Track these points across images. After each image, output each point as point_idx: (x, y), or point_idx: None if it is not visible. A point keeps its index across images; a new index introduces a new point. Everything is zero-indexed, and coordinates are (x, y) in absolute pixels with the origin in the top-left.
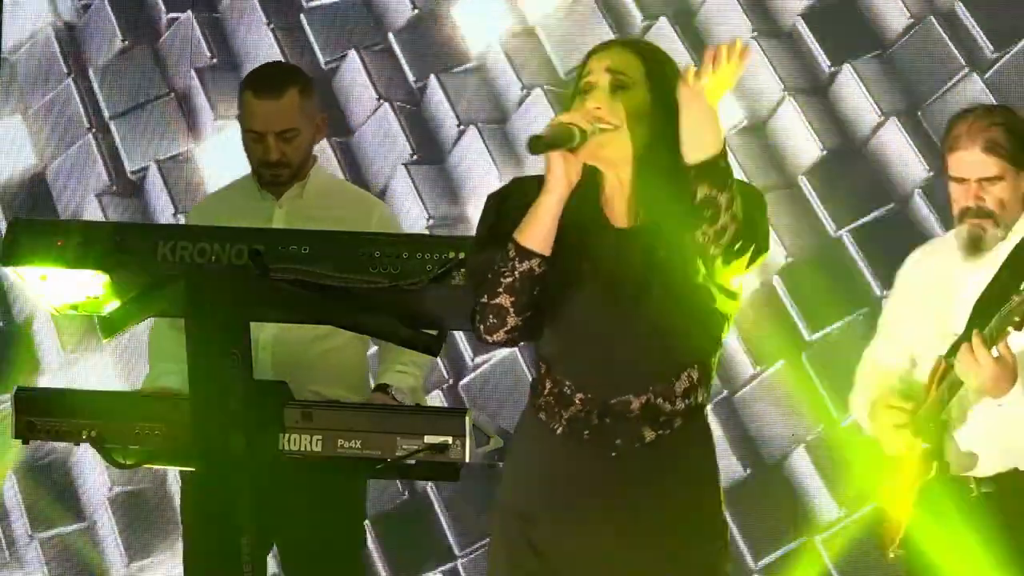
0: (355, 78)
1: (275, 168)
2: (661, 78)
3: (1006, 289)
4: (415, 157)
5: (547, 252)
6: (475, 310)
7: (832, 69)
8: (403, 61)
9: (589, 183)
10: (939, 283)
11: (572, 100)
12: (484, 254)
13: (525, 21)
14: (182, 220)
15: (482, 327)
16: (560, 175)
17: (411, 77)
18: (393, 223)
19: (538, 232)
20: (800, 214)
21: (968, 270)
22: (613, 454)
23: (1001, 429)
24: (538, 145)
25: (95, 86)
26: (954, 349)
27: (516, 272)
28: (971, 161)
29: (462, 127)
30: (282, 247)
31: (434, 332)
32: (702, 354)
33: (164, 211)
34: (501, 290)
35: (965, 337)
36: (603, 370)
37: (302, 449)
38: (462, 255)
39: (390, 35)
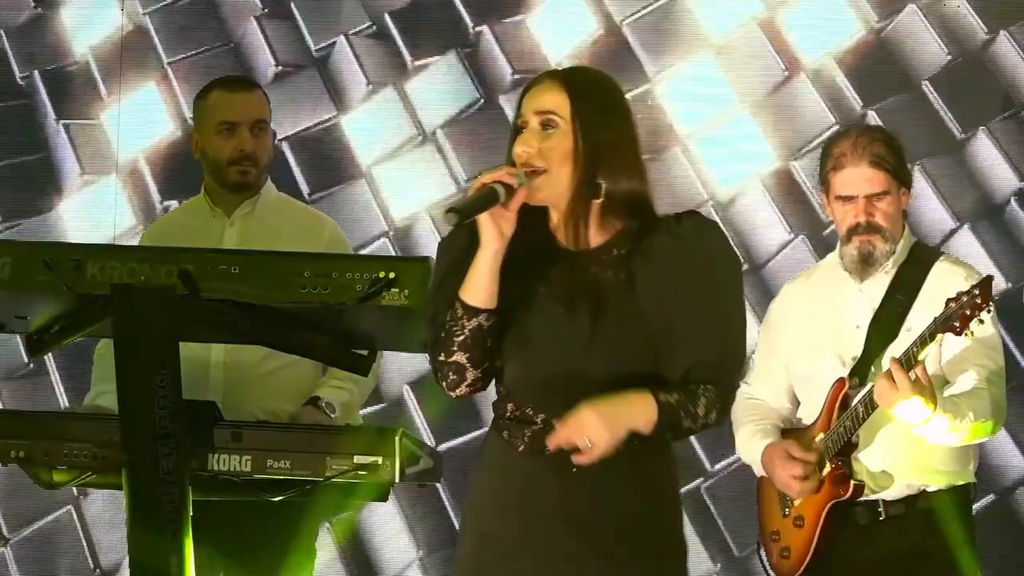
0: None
1: (245, 163)
2: (584, 116)
3: (901, 307)
4: None
5: (492, 305)
6: (435, 367)
7: None
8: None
9: (538, 208)
10: (825, 308)
11: (512, 138)
12: (433, 307)
13: None
14: None
15: (444, 384)
16: (492, 234)
17: None
18: (342, 241)
19: (480, 288)
20: None
21: (856, 292)
22: (574, 470)
23: (910, 448)
24: (455, 218)
25: None
26: (857, 371)
27: (466, 330)
28: (859, 177)
29: None
30: (212, 267)
31: (364, 352)
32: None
33: None
34: (455, 348)
35: (868, 358)
36: (562, 391)
37: (231, 469)
38: (392, 275)
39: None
